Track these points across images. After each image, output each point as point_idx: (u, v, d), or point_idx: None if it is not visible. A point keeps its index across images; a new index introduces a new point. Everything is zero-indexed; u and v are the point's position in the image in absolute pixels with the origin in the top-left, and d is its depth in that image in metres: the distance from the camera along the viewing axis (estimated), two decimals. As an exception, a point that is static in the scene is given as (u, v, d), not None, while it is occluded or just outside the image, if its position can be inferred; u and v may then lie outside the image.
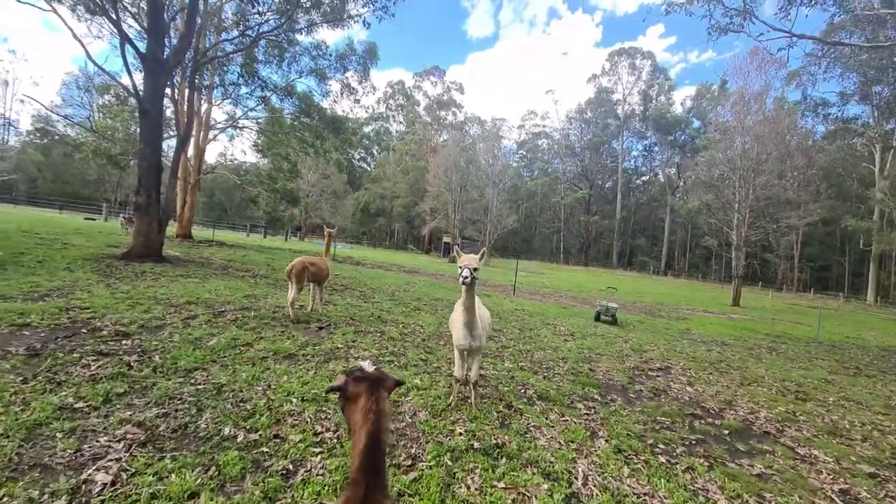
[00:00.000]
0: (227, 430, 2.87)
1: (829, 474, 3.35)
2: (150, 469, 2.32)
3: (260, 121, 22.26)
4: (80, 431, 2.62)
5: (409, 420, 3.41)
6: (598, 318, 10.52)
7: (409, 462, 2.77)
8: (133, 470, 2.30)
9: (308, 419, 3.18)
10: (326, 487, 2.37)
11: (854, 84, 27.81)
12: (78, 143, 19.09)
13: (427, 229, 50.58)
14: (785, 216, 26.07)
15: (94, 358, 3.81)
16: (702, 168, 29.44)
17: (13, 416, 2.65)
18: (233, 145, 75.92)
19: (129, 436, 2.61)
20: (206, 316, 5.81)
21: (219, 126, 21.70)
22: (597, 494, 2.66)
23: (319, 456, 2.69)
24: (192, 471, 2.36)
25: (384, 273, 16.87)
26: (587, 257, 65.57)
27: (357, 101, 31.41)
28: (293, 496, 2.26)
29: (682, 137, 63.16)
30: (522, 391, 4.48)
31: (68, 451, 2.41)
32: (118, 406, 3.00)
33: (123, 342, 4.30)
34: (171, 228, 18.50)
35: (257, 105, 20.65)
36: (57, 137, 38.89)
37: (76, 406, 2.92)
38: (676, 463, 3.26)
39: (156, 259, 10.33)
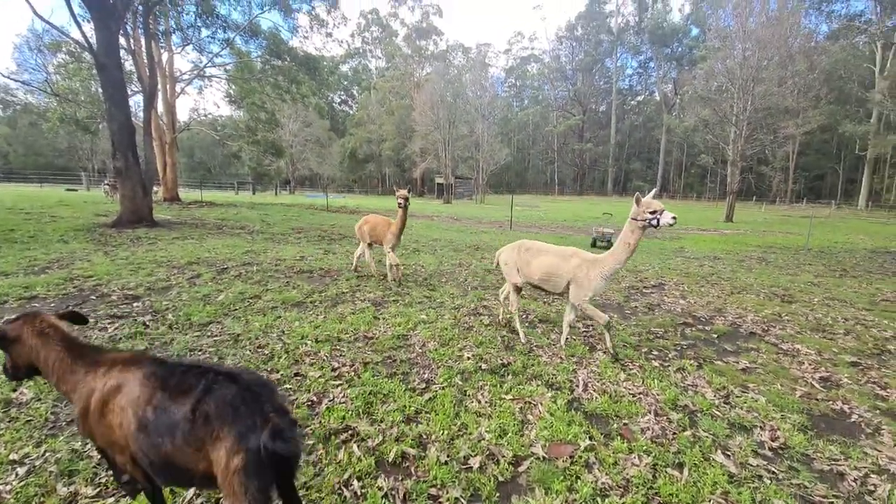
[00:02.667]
0: (250, 373, 3.05)
1: (810, 365, 3.65)
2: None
3: (228, 68, 20.70)
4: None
5: (420, 350, 3.62)
6: (594, 245, 10.72)
7: (423, 385, 3.00)
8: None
9: (324, 357, 3.37)
10: (349, 412, 2.58)
11: (863, -27, 25.51)
12: (42, 112, 17.92)
13: (418, 171, 49.40)
14: (783, 126, 25.44)
15: (110, 321, 3.93)
16: (700, 81, 28.04)
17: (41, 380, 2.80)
18: (203, 98, 71.39)
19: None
20: (210, 274, 5.89)
21: (185, 77, 20.20)
22: (596, 397, 2.91)
23: (339, 387, 2.90)
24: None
25: (380, 219, 16.81)
26: (582, 186, 64.98)
27: (329, 36, 29.39)
28: (321, 422, 2.48)
29: (680, 49, 59.36)
30: (524, 316, 4.70)
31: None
32: (143, 361, 3.16)
33: (134, 304, 4.42)
34: (158, 193, 18.06)
35: (222, 50, 19.06)
36: (20, 107, 36.27)
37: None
38: (668, 365, 3.53)
39: (148, 224, 10.22)
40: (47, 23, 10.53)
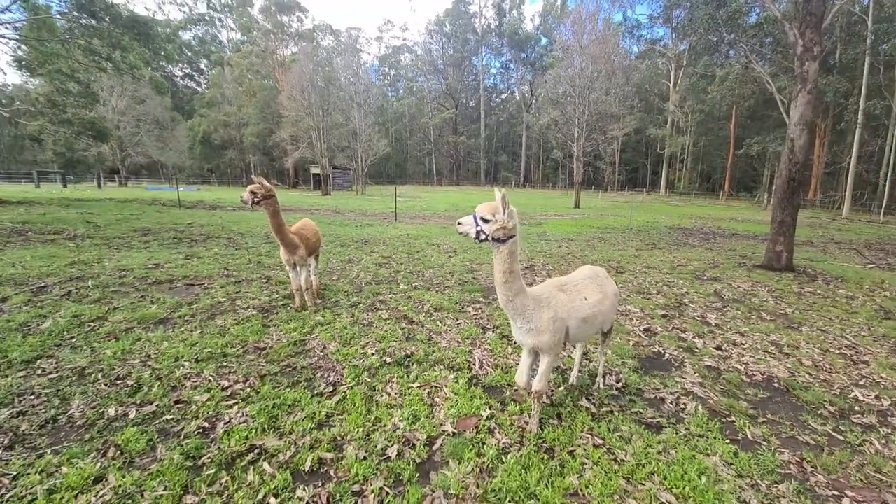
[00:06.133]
0: (111, 411, 2.57)
1: (637, 320, 4.74)
2: (31, 469, 2.03)
3: (18, 25, 15.62)
4: None
5: (321, 353, 3.53)
6: (474, 233, 11.60)
7: (331, 388, 2.96)
8: (13, 473, 1.99)
9: (209, 377, 3.02)
10: (252, 430, 2.42)
11: (660, 7, 32.78)
12: None
13: (290, 161, 45.46)
14: (610, 128, 31.25)
15: None
16: (550, 85, 32.35)
17: None
18: (-29, 58, 52.93)
19: (-19, 445, 2.16)
20: (22, 296, 4.59)
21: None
22: (490, 372, 3.31)
23: (236, 407, 2.67)
24: (86, 458, 2.13)
25: (249, 215, 15.10)
26: (458, 177, 68.79)
27: (165, -3, 24.28)
28: (220, 447, 2.27)
29: (533, 55, 67.03)
30: (420, 307, 4.93)
31: None
32: (-62, 421, 2.37)
33: None
34: None
35: (12, 3, 14.32)
36: None
37: None
38: (544, 336, 4.18)
39: None
40: None
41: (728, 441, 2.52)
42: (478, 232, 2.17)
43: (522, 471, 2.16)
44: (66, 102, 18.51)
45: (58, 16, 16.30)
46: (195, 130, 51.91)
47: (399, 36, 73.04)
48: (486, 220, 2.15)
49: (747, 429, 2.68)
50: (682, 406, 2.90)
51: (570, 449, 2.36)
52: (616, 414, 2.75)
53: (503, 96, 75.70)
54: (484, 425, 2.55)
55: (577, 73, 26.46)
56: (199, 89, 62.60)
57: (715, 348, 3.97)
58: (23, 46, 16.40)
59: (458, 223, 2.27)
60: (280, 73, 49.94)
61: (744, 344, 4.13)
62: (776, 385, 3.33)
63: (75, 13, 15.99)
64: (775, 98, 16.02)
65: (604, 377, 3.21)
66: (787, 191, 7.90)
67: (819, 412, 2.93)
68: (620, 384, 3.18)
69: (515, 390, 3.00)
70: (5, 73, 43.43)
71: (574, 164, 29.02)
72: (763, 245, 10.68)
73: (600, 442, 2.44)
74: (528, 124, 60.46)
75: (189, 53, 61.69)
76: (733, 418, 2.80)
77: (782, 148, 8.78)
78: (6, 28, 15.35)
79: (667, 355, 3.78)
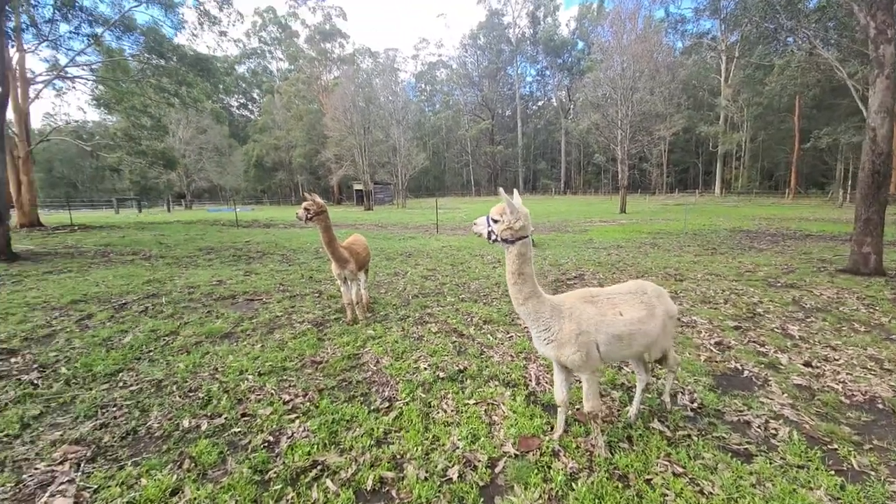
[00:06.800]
0: (185, 423, 2.71)
1: (706, 332, 4.36)
2: (112, 481, 2.14)
3: (95, 67, 17.74)
4: (11, 463, 2.28)
5: (375, 368, 3.54)
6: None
7: (387, 404, 2.94)
8: (94, 486, 2.11)
9: (272, 391, 3.12)
10: (314, 445, 2.44)
11: (706, -1, 31.14)
12: None
13: (335, 179, 47.56)
14: (656, 128, 29.84)
15: (-23, 387, 3.16)
16: (588, 89, 31.58)
17: None
18: (64, 102, 60.42)
19: (70, 455, 2.34)
20: (106, 313, 5.04)
21: (40, 80, 16.84)
22: (548, 388, 3.15)
23: (297, 421, 2.71)
24: (163, 470, 2.24)
25: (299, 232, 15.87)
26: (496, 187, 68.45)
27: (223, 34, 26.59)
28: (284, 462, 2.30)
29: (570, 60, 65.98)
30: (469, 320, 4.85)
31: (8, 484, 2.11)
32: (41, 429, 2.61)
33: (12, 360, 3.60)
34: (13, 219, 14.78)
35: (87, 46, 16.30)
36: None
37: (-18, 443, 2.47)
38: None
39: (6, 258, 8.36)
40: None
41: (833, 472, 2.20)
42: (489, 232, 2.19)
43: (596, 500, 1.99)
44: (140, 136, 20.63)
45: (130, 58, 18.29)
46: (249, 155, 55.88)
47: (434, 52, 74.96)
48: (496, 221, 2.15)
49: (853, 457, 2.33)
50: (773, 431, 2.58)
51: (647, 477, 2.16)
52: (695, 439, 2.49)
53: (539, 103, 74.91)
54: (547, 447, 2.41)
55: (619, 73, 25.64)
56: (252, 117, 67.56)
57: (803, 364, 3.54)
58: (100, 87, 18.49)
59: (474, 223, 2.30)
60: (324, 97, 52.75)
61: (837, 359, 3.66)
62: (880, 406, 2.90)
63: (146, 55, 17.84)
64: (846, 85, 14.55)
65: (673, 397, 2.95)
66: (871, 185, 7.05)
67: (945, 441, 2.50)
68: (696, 404, 2.90)
69: (578, 409, 2.82)
70: (85, 112, 49.20)
71: (618, 168, 27.90)
72: (844, 247, 9.58)
73: (680, 470, 2.21)
74: (567, 130, 59.30)
75: (243, 84, 66.94)
76: (835, 445, 2.45)
77: (860, 139, 7.90)
78: (83, 70, 17.39)
79: (746, 372, 3.42)
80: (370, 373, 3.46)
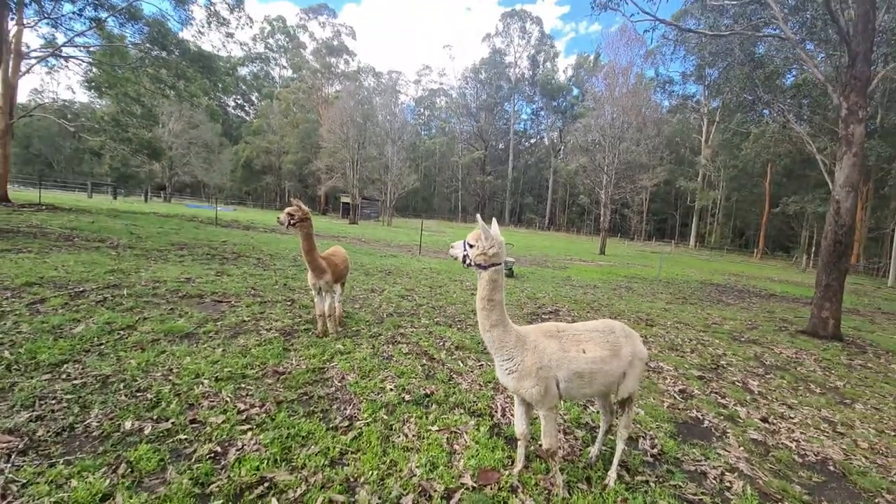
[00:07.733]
0: (128, 425, 2.54)
1: (671, 379, 4.44)
2: (41, 478, 1.98)
3: (93, 49, 17.49)
4: (-80, 454, 2.07)
5: (339, 384, 3.43)
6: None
7: (347, 423, 2.84)
8: (23, 480, 1.95)
9: (227, 399, 2.97)
10: (264, 461, 2.32)
11: (693, 66, 33.52)
12: None
13: (323, 189, 47.34)
14: (639, 177, 31.18)
15: None
16: (580, 133, 33.04)
17: None
18: (54, 80, 58.99)
19: (1, 445, 2.15)
20: (60, 299, 4.76)
21: (35, 55, 16.45)
22: (514, 421, 3.10)
23: (250, 432, 2.58)
24: (96, 472, 2.08)
25: (279, 237, 15.58)
26: (483, 215, 69.31)
27: (230, 36, 26.77)
28: (229, 476, 2.17)
29: (564, 104, 69.06)
30: (441, 344, 4.80)
31: None
32: (-35, 418, 2.40)
33: (-56, 340, 3.33)
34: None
35: (89, 29, 16.12)
36: None
37: None
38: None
39: (-42, 230, 7.85)
40: None
41: (783, 531, 2.22)
42: (464, 256, 2.24)
43: (550, 541, 1.94)
44: (128, 123, 20.17)
45: (131, 46, 18.16)
46: (239, 155, 55.29)
47: (436, 80, 77.09)
48: (471, 246, 2.20)
49: (804, 518, 2.37)
50: (728, 484, 2.61)
51: (603, 521, 2.13)
52: (652, 485, 2.49)
53: (532, 141, 77.49)
54: (506, 482, 2.36)
55: (608, 122, 26.92)
56: (247, 118, 67.26)
57: (761, 419, 3.63)
58: (94, 69, 18.18)
59: (451, 246, 2.35)
60: (323, 108, 53.21)
61: (793, 418, 3.76)
62: (832, 468, 2.98)
63: (148, 45, 17.75)
64: (815, 158, 15.69)
65: (634, 441, 2.95)
66: (833, 254, 7.50)
67: (876, 501, 2.58)
68: (656, 450, 2.91)
69: (539, 445, 2.79)
70: (74, 92, 48.07)
71: (601, 211, 28.85)
72: (805, 309, 10.06)
73: (636, 516, 2.19)
74: (556, 169, 61.29)
75: (243, 87, 66.96)
76: (787, 503, 2.49)
77: (825, 209, 8.45)
78: (80, 51, 17.13)
79: (706, 422, 3.47)
80: (334, 388, 3.35)
